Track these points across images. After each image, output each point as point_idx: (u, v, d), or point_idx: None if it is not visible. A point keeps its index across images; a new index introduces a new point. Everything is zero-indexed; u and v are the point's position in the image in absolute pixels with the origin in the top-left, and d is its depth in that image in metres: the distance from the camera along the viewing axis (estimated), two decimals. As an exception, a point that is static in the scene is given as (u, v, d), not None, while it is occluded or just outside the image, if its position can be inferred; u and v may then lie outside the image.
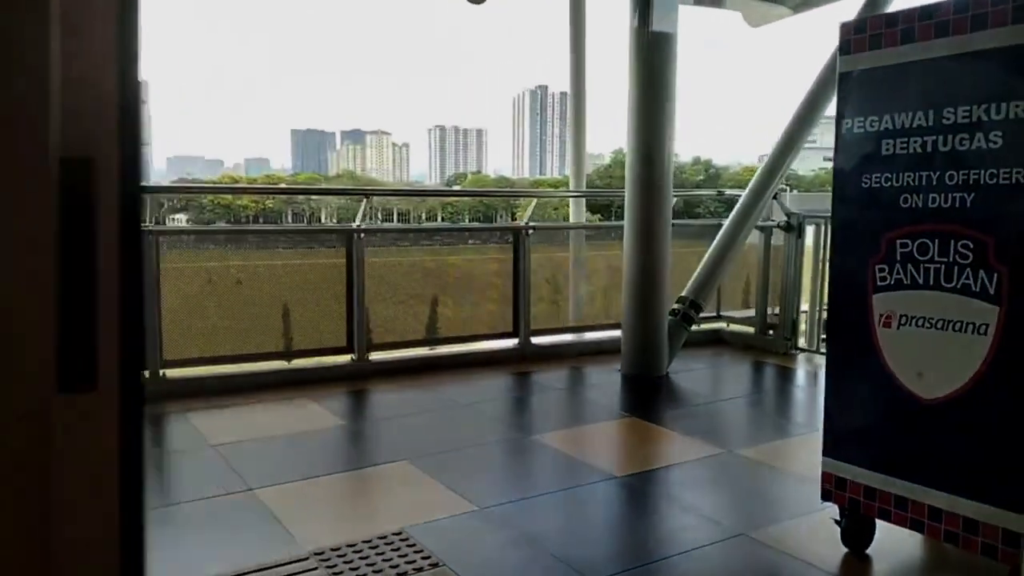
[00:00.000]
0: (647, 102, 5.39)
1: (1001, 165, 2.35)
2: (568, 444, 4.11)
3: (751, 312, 6.71)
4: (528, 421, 4.60)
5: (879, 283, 2.66)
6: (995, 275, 2.36)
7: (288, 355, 5.34)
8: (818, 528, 2.94)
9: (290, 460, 3.76)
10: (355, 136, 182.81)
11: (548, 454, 3.95)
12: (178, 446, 4.08)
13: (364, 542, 2.85)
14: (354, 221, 5.54)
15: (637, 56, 5.39)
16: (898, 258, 2.60)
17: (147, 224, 4.92)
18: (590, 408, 4.99)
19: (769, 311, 6.57)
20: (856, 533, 2.80)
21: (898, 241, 2.60)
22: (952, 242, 2.47)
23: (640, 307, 5.59)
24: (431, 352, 5.93)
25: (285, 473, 3.55)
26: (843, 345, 2.81)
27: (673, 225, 6.80)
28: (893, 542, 2.81)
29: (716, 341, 6.88)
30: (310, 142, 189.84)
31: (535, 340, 6.25)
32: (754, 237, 6.49)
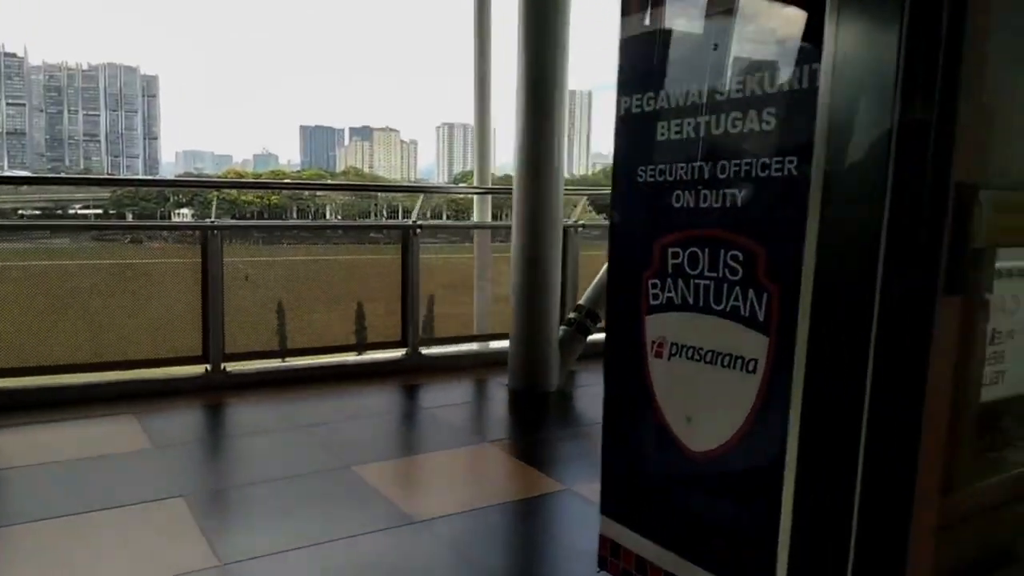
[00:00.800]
0: (534, 85, 4.83)
1: (773, 153, 1.80)
2: (389, 478, 3.57)
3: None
4: (364, 447, 4.04)
5: (652, 301, 2.11)
6: (764, 296, 1.81)
7: (130, 364, 4.83)
8: (607, 599, 2.40)
9: (52, 493, 3.25)
10: (363, 133, 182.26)
11: (357, 491, 3.40)
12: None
13: (40, 611, 2.33)
14: (209, 217, 5.03)
15: (524, 37, 4.84)
16: (669, 271, 2.06)
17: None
18: (450, 431, 4.44)
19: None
20: (634, 612, 2.26)
21: (670, 250, 2.05)
22: (722, 252, 1.92)
23: (527, 315, 5.06)
24: (304, 363, 5.41)
25: (29, 510, 3.04)
26: (616, 377, 2.26)
27: (586, 226, 6.32)
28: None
29: (634, 352, 6.33)
30: (318, 138, 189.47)
31: (427, 351, 5.74)
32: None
